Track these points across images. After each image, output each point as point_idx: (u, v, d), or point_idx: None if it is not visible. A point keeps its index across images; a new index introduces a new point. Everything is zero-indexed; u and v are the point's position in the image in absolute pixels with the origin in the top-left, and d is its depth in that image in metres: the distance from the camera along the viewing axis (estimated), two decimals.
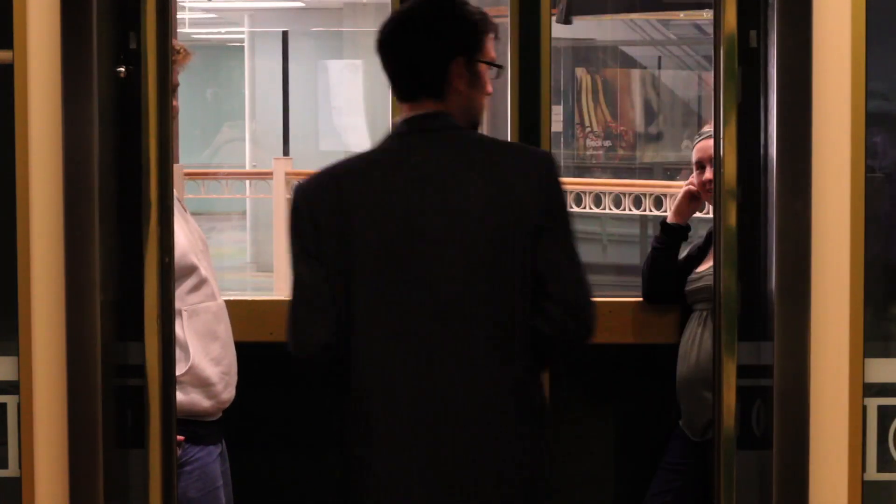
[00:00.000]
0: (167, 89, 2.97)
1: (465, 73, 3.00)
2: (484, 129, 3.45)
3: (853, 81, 2.90)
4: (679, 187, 4.38)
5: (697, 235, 4.27)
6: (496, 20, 3.71)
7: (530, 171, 2.95)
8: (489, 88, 3.08)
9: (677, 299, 4.14)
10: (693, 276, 4.09)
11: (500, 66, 3.08)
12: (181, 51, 3.57)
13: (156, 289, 2.98)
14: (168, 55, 2.97)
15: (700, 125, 11.62)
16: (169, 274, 3.01)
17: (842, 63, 2.90)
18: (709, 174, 4.06)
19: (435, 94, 3.00)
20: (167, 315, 3.00)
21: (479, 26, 3.04)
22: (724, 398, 2.99)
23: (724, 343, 2.99)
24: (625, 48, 12.23)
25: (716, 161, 3.02)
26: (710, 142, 4.07)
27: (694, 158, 4.12)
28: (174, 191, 3.62)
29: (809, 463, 2.92)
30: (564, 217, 2.95)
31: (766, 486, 2.96)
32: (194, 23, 15.39)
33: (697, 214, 4.27)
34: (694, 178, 4.12)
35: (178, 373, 3.48)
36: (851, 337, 2.93)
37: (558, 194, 2.94)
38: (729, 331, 3.00)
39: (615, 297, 4.36)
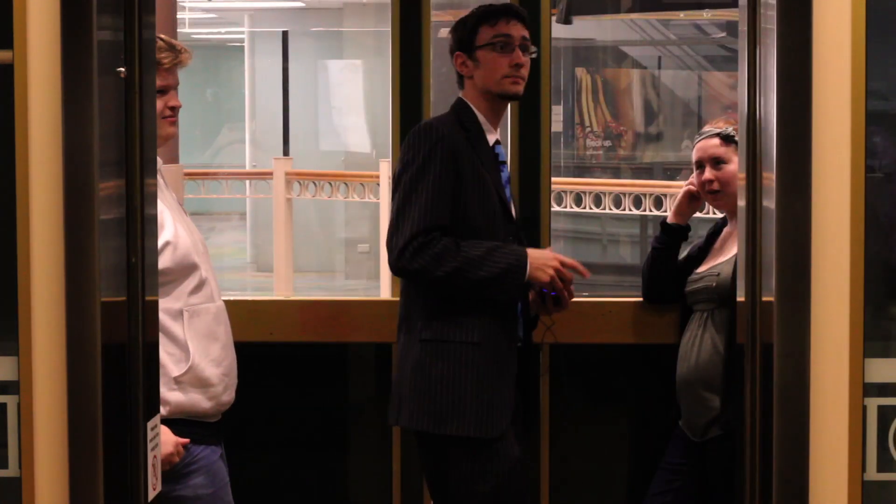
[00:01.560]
0: (133, 88, 2.94)
1: (468, 62, 3.83)
2: None
3: (853, 81, 2.90)
4: (679, 187, 4.38)
5: (697, 236, 4.26)
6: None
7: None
8: (517, 59, 3.78)
9: (677, 299, 4.14)
10: (693, 276, 4.09)
11: (491, 44, 3.78)
12: (182, 50, 3.56)
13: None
14: (135, 54, 2.93)
15: (700, 125, 11.60)
16: (135, 274, 2.97)
17: (842, 63, 2.90)
18: (709, 174, 4.06)
19: (460, 85, 3.91)
20: (133, 316, 2.96)
21: (469, 23, 3.82)
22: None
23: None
24: (625, 48, 12.22)
25: (747, 160, 3.01)
26: (710, 142, 4.07)
27: (694, 158, 4.12)
28: (174, 192, 3.62)
29: (809, 463, 2.92)
30: (401, 176, 3.73)
31: (767, 485, 2.96)
32: (194, 23, 15.37)
33: (697, 214, 4.26)
34: (694, 178, 4.12)
35: (178, 373, 3.48)
36: (851, 337, 2.92)
37: (402, 157, 3.75)
38: None
39: (615, 297, 4.36)
